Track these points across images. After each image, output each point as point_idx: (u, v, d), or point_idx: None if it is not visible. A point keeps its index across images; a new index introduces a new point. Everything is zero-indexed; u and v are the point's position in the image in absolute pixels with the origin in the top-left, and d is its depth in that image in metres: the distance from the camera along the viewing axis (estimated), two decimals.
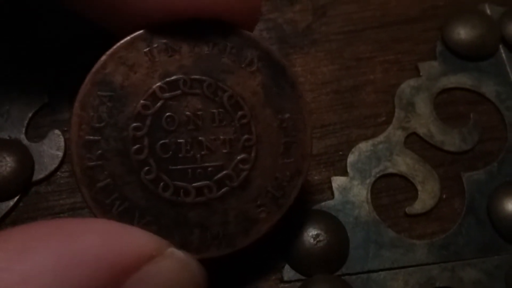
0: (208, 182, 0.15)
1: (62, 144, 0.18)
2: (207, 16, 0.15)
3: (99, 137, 0.14)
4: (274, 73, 0.15)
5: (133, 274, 0.11)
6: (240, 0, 0.15)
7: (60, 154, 0.18)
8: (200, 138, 0.15)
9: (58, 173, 0.18)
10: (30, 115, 0.18)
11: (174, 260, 0.12)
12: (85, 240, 0.11)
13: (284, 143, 0.15)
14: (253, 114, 0.15)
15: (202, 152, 0.15)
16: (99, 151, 0.14)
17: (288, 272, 0.17)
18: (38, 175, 0.17)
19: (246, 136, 0.15)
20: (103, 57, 0.14)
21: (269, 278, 0.17)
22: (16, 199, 0.17)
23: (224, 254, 0.14)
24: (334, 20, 0.21)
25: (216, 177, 0.15)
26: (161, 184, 0.14)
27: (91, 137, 0.14)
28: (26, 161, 0.17)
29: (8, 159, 0.17)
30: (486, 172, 0.18)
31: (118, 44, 0.15)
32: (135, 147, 0.14)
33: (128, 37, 0.15)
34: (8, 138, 0.18)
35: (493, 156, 0.19)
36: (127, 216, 0.14)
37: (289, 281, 0.17)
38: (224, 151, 0.15)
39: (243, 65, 0.15)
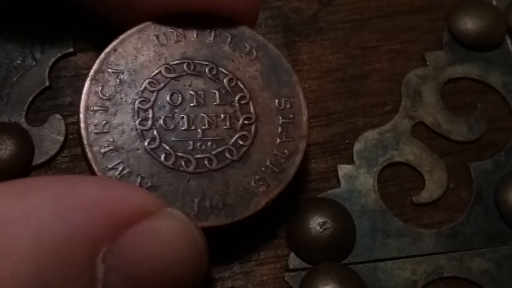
0: (208, 154, 0.15)
1: (63, 128, 0.17)
2: (211, 11, 0.16)
3: (107, 108, 0.15)
4: (272, 62, 0.17)
5: (131, 227, 0.11)
6: (241, 0, 0.16)
7: (61, 138, 0.17)
8: (202, 114, 0.15)
9: (58, 158, 0.17)
10: (30, 99, 0.18)
11: (174, 219, 0.12)
12: (85, 188, 0.11)
13: (281, 124, 0.16)
14: (252, 96, 0.16)
15: (204, 127, 0.15)
16: (105, 121, 0.15)
17: (294, 261, 0.16)
18: (38, 160, 0.17)
19: (245, 115, 0.16)
20: (115, 41, 0.16)
21: (274, 266, 0.16)
22: None
23: (223, 224, 0.15)
24: (339, 9, 0.20)
25: (216, 151, 0.15)
26: (164, 153, 0.15)
27: (99, 108, 0.15)
28: (26, 145, 0.17)
29: (8, 142, 0.16)
30: (493, 161, 0.18)
31: (130, 30, 0.16)
32: (140, 118, 0.15)
33: (140, 25, 0.16)
34: (8, 121, 0.17)
35: (500, 146, 0.19)
36: (129, 180, 0.14)
37: (295, 269, 0.16)
38: (225, 127, 0.16)
39: (242, 54, 0.16)
